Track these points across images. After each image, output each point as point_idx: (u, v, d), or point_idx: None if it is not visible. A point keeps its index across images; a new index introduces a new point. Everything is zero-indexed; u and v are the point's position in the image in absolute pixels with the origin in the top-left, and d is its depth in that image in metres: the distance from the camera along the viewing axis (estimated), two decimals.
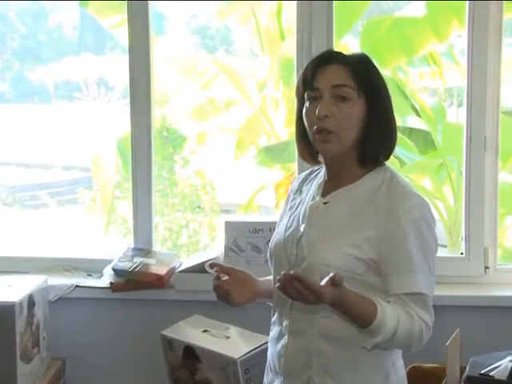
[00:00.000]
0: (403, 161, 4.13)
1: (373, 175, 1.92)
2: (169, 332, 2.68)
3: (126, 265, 3.01)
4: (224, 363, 2.48)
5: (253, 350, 2.49)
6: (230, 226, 2.99)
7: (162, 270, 3.00)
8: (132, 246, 3.18)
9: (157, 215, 3.56)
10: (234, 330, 2.66)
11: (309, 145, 1.95)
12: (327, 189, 1.95)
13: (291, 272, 1.70)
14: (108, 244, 4.71)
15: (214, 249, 3.76)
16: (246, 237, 2.97)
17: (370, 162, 1.92)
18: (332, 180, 1.95)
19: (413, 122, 4.35)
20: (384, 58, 3.92)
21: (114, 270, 3.01)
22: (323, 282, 1.70)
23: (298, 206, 2.01)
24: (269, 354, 2.04)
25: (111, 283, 2.99)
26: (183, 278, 2.98)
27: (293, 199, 2.06)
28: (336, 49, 3.08)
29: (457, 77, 4.24)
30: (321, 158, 1.98)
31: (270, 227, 2.81)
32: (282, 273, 1.70)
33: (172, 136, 4.80)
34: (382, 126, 1.90)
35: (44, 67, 5.20)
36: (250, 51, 5.00)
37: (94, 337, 3.06)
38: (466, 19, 2.99)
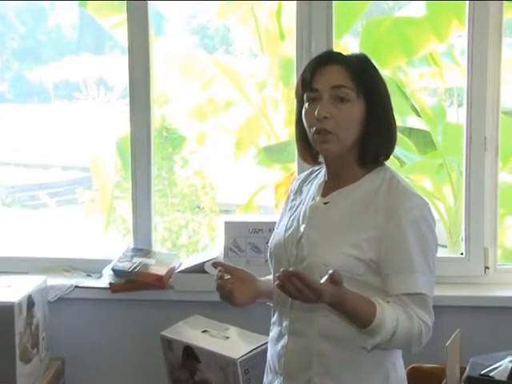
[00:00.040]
0: (403, 161, 4.13)
1: (373, 175, 1.91)
2: (168, 332, 2.68)
3: (126, 265, 3.01)
4: (224, 363, 2.48)
5: (252, 350, 2.49)
6: (229, 226, 2.99)
7: (161, 271, 2.99)
8: (131, 246, 3.18)
9: (156, 215, 3.55)
10: (233, 331, 2.66)
11: (309, 145, 1.95)
12: (327, 189, 1.95)
13: (290, 269, 1.69)
14: (107, 244, 4.70)
15: (213, 249, 3.76)
16: (245, 237, 2.96)
17: (370, 162, 1.92)
18: (332, 180, 1.95)
19: (413, 122, 4.35)
20: (384, 58, 3.92)
21: (113, 270, 3.01)
22: (323, 280, 1.69)
23: (298, 207, 2.01)
24: (268, 354, 2.04)
25: (111, 283, 2.99)
26: (183, 278, 2.97)
27: (293, 199, 2.06)
28: (336, 49, 3.08)
29: (457, 77, 4.24)
30: (321, 159, 1.98)
31: (270, 227, 2.79)
32: (281, 270, 1.69)
33: (171, 136, 4.80)
34: (381, 127, 1.90)
35: (43, 67, 5.20)
36: (250, 51, 5.00)
37: (94, 337, 3.06)
38: (466, 19, 2.99)
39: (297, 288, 1.67)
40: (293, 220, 1.98)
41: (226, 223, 3.01)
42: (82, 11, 4.62)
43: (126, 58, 3.14)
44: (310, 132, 1.90)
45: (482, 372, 2.41)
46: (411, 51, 3.98)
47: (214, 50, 5.11)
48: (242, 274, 1.98)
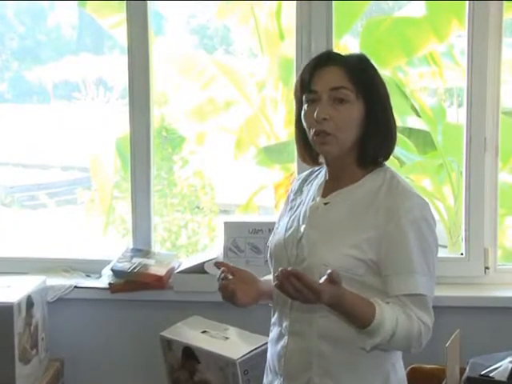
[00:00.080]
0: (403, 161, 4.13)
1: (373, 176, 1.91)
2: (168, 333, 2.68)
3: (125, 265, 3.01)
4: (223, 364, 2.48)
5: (252, 350, 2.49)
6: (229, 226, 2.99)
7: (161, 271, 2.99)
8: (131, 246, 3.18)
9: (156, 216, 3.55)
10: (233, 331, 2.66)
11: (309, 146, 1.95)
12: (328, 189, 1.95)
13: (289, 268, 1.69)
14: (107, 244, 4.70)
15: (213, 249, 3.75)
16: (245, 237, 2.96)
17: (370, 162, 1.92)
18: (333, 180, 1.95)
19: (412, 122, 4.34)
20: (384, 58, 3.91)
21: (112, 270, 3.01)
22: (321, 280, 1.69)
23: (298, 207, 2.00)
24: (268, 354, 2.03)
25: (110, 284, 2.98)
26: (182, 278, 2.97)
27: (293, 199, 2.05)
28: (335, 49, 3.09)
29: (457, 77, 4.24)
30: (322, 159, 1.98)
31: (270, 228, 2.79)
32: (280, 269, 1.69)
33: (171, 136, 4.79)
34: (380, 127, 1.90)
35: (42, 67, 5.19)
36: (250, 51, 5.00)
37: (93, 338, 3.05)
38: (465, 19, 2.99)
39: (295, 288, 1.67)
40: (293, 220, 1.98)
41: (226, 223, 3.01)
42: (82, 11, 4.62)
43: (125, 58, 3.14)
44: (310, 133, 1.90)
45: (482, 372, 2.41)
46: (411, 51, 3.97)
47: (214, 50, 5.11)
48: (244, 274, 1.98)
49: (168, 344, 2.65)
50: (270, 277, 2.02)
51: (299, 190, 2.06)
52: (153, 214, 3.20)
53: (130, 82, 3.13)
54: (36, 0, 4.99)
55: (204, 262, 2.96)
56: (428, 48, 4.03)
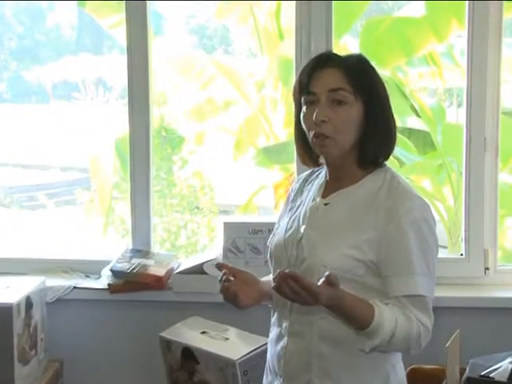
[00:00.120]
0: (403, 161, 4.12)
1: (373, 176, 1.91)
2: (167, 333, 2.67)
3: (124, 266, 3.00)
4: (223, 365, 2.48)
5: (252, 351, 2.48)
6: (228, 226, 2.99)
7: (160, 271, 2.99)
8: (130, 247, 3.17)
9: (155, 216, 3.55)
10: (232, 332, 2.66)
11: (308, 148, 1.95)
12: (328, 190, 1.95)
13: (286, 270, 1.68)
14: (106, 245, 4.69)
15: (212, 250, 3.75)
16: (244, 238, 2.96)
17: (370, 163, 1.92)
18: (333, 181, 1.95)
19: (412, 122, 4.34)
20: (383, 58, 3.91)
21: (112, 271, 3.00)
22: (319, 283, 1.69)
23: (298, 207, 2.00)
24: (268, 355, 2.03)
25: (109, 284, 2.98)
26: (181, 279, 2.97)
27: (293, 199, 2.05)
28: (335, 49, 3.09)
29: (456, 77, 4.23)
30: (322, 160, 1.97)
31: (269, 228, 2.78)
32: (277, 271, 1.69)
33: (170, 136, 4.79)
34: (380, 128, 1.89)
35: (42, 67, 5.19)
36: (249, 51, 5.00)
37: (92, 338, 3.05)
38: (465, 19, 2.99)
39: (293, 290, 1.67)
40: (293, 221, 1.98)
41: (225, 224, 3.00)
42: (81, 11, 4.61)
43: (124, 58, 3.13)
44: (309, 135, 1.90)
45: (482, 373, 2.41)
46: (411, 51, 3.97)
47: (213, 50, 5.10)
48: (245, 275, 1.97)
49: (167, 344, 2.65)
50: (270, 277, 2.02)
51: (299, 191, 2.05)
52: (152, 215, 3.20)
53: (130, 82, 3.13)
54: (35, 0, 4.98)
55: (203, 263, 2.96)
56: (428, 48, 4.02)
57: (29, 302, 2.73)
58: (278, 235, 2.00)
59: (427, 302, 1.84)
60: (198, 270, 2.95)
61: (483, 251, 3.02)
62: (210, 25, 5.17)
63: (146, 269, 3.00)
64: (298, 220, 1.96)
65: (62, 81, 5.25)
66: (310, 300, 1.68)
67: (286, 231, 1.97)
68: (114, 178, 4.72)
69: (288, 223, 1.99)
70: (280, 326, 1.96)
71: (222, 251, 2.98)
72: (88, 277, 3.13)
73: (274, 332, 2.00)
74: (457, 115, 4.30)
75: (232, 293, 1.90)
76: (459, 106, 4.21)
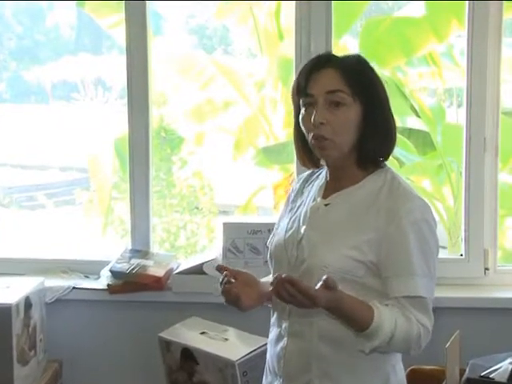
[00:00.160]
0: (402, 162, 4.12)
1: (374, 177, 1.91)
2: (166, 334, 2.67)
3: (124, 266, 3.00)
4: (222, 365, 2.47)
5: (251, 352, 2.48)
6: (228, 227, 2.98)
7: (159, 272, 2.98)
8: (129, 247, 3.17)
9: (154, 216, 3.54)
10: (232, 332, 2.66)
11: (308, 149, 1.95)
12: (328, 190, 1.95)
13: (283, 275, 1.69)
14: (105, 245, 4.69)
15: (212, 250, 3.74)
16: (244, 238, 2.95)
17: (370, 163, 1.91)
18: (333, 181, 1.95)
19: (412, 122, 4.33)
20: (383, 58, 3.91)
21: (111, 271, 3.00)
22: (317, 286, 1.69)
23: (298, 208, 2.00)
24: (268, 355, 2.03)
25: (108, 285, 2.98)
26: (181, 279, 2.96)
27: (293, 200, 2.05)
28: (335, 49, 3.09)
29: (456, 77, 4.23)
30: (323, 162, 1.97)
31: (269, 228, 2.79)
32: (275, 275, 1.70)
33: (170, 137, 4.78)
34: (380, 128, 1.89)
35: (41, 67, 5.18)
36: (249, 51, 4.99)
37: (91, 339, 3.05)
38: (465, 19, 2.99)
39: (290, 294, 1.67)
40: (293, 221, 1.97)
41: (225, 224, 3.00)
42: (80, 11, 4.61)
43: (124, 58, 3.13)
44: (308, 137, 1.89)
45: (482, 374, 2.41)
46: (410, 51, 3.96)
47: (213, 50, 5.10)
48: (246, 277, 1.96)
49: (166, 345, 2.65)
50: (270, 278, 2.01)
51: (300, 191, 2.05)
52: (151, 215, 3.20)
53: (129, 82, 3.12)
54: (34, 0, 4.98)
55: (203, 263, 2.95)
56: (427, 48, 4.02)
57: (28, 303, 2.73)
58: (278, 235, 2.00)
59: (427, 302, 1.83)
60: (198, 270, 2.95)
61: (483, 251, 3.02)
62: (210, 25, 5.17)
63: (146, 269, 2.99)
64: (299, 220, 1.96)
65: (62, 81, 5.24)
66: (307, 303, 1.69)
67: (286, 231, 1.97)
68: (113, 178, 4.72)
69: (288, 223, 1.99)
70: (280, 326, 1.96)
71: (221, 251, 2.98)
72: (87, 277, 3.13)
73: (273, 332, 2.00)
74: (457, 115, 4.30)
75: (234, 295, 1.89)
76: (459, 106, 4.21)
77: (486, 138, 2.98)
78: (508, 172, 4.12)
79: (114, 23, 3.97)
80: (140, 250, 3.14)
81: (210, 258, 2.99)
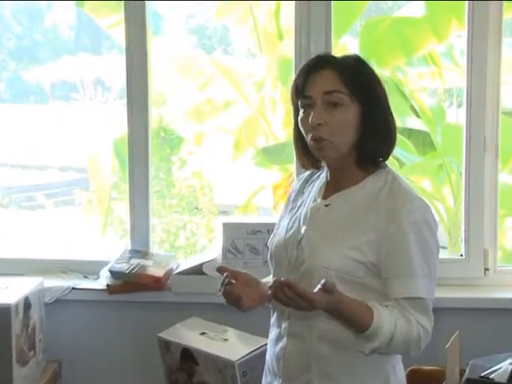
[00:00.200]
0: (402, 162, 4.11)
1: (374, 177, 1.90)
2: (166, 334, 2.67)
3: (123, 266, 3.00)
4: (222, 366, 2.47)
5: (251, 352, 2.48)
6: (227, 227, 2.98)
7: (159, 272, 2.98)
8: (129, 247, 3.17)
9: (154, 216, 3.54)
10: (231, 333, 2.65)
11: (308, 151, 1.94)
12: (329, 191, 1.95)
13: (282, 279, 1.69)
14: (105, 246, 4.68)
15: (211, 250, 3.74)
16: (243, 238, 2.95)
17: (370, 164, 1.91)
18: (333, 182, 1.94)
19: (412, 122, 4.33)
20: (383, 58, 3.91)
21: (110, 271, 2.99)
22: (315, 290, 1.68)
23: (299, 208, 1.99)
24: (268, 355, 2.03)
25: (108, 285, 2.97)
26: (180, 279, 2.96)
27: (294, 200, 2.04)
28: (334, 49, 3.08)
29: (456, 77, 4.22)
30: (323, 163, 1.97)
31: (268, 229, 2.79)
32: (274, 279, 1.70)
33: (169, 137, 4.78)
34: (379, 128, 1.88)
35: (40, 67, 5.18)
36: (248, 51, 4.99)
37: (91, 339, 3.04)
38: (465, 19, 2.99)
39: (288, 297, 1.67)
40: (294, 221, 1.97)
41: (224, 224, 3.00)
42: (80, 11, 4.60)
43: (123, 58, 3.13)
44: (307, 139, 1.89)
45: (482, 374, 2.41)
46: (410, 51, 3.96)
47: (213, 50, 5.10)
48: (246, 277, 1.96)
49: (166, 345, 2.64)
50: (271, 278, 2.01)
51: (300, 191, 2.05)
52: (151, 215, 3.20)
53: (128, 83, 3.12)
54: (33, 0, 4.97)
55: (202, 264, 2.95)
56: (427, 48, 4.01)
57: (27, 303, 2.73)
58: (278, 235, 2.00)
59: (427, 304, 1.83)
60: (197, 270, 2.95)
61: (483, 252, 3.01)
62: (210, 25, 5.16)
63: (145, 269, 2.99)
64: (299, 221, 1.95)
65: (61, 81, 5.24)
66: (306, 306, 1.69)
67: (286, 232, 1.97)
68: (112, 178, 4.72)
69: (289, 224, 1.98)
70: (279, 326, 1.96)
71: (221, 252, 2.98)
72: (86, 277, 3.12)
73: (273, 333, 2.00)
74: (457, 115, 4.29)
75: (235, 296, 1.89)
76: (459, 106, 4.20)
77: (486, 138, 2.98)
78: (508, 172, 4.11)
79: (114, 23, 3.97)
80: (139, 250, 3.14)
81: (209, 259, 2.98)
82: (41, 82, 5.23)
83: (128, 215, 3.20)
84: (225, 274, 1.91)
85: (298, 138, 1.95)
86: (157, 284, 2.95)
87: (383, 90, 1.91)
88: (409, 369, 2.47)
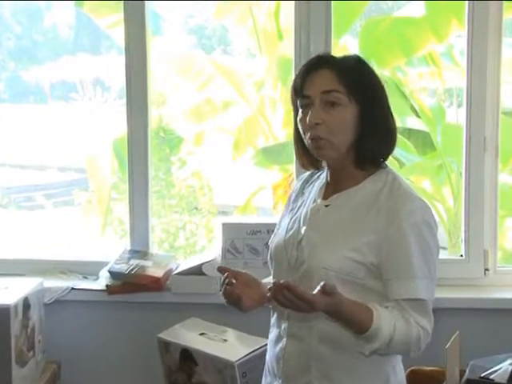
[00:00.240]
0: (402, 162, 4.11)
1: (374, 178, 1.90)
2: (165, 335, 2.66)
3: (123, 267, 2.99)
4: (221, 366, 2.47)
5: (250, 353, 2.47)
6: (227, 227, 2.98)
7: (158, 273, 2.98)
8: (128, 247, 3.16)
9: (153, 217, 3.54)
10: (231, 333, 2.65)
11: (307, 151, 1.94)
12: (329, 191, 1.94)
13: (281, 281, 1.68)
14: (104, 246, 4.68)
15: (211, 251, 3.74)
16: (243, 238, 2.95)
17: (369, 164, 1.90)
18: (334, 182, 1.94)
19: (412, 122, 4.33)
20: (383, 58, 3.91)
21: (110, 272, 2.99)
22: (315, 291, 1.68)
23: (299, 208, 1.99)
24: (267, 356, 2.03)
25: (107, 285, 2.97)
26: (180, 280, 2.96)
27: (294, 200, 2.04)
28: (334, 49, 3.08)
29: (456, 77, 4.22)
30: (324, 164, 1.96)
31: (268, 229, 2.79)
32: (273, 281, 1.70)
33: (169, 137, 4.77)
34: (378, 129, 1.88)
35: (39, 67, 5.18)
36: (248, 51, 4.98)
37: (90, 339, 3.04)
38: (465, 19, 2.98)
39: (288, 299, 1.67)
40: (294, 221, 1.97)
41: (224, 225, 2.99)
42: (79, 11, 4.59)
43: (122, 58, 3.13)
44: (305, 138, 1.89)
45: (482, 375, 2.41)
46: (410, 51, 3.96)
47: (212, 50, 5.09)
48: (247, 277, 1.96)
49: (165, 346, 2.64)
50: (271, 278, 2.01)
51: (300, 191, 2.04)
52: (150, 216, 3.19)
53: (128, 83, 3.12)
54: (33, 0, 4.97)
55: (202, 264, 2.95)
56: (427, 48, 4.01)
57: (26, 304, 2.72)
58: (278, 236, 2.00)
59: (427, 305, 1.83)
60: (197, 271, 2.94)
61: (483, 252, 3.01)
62: (209, 25, 5.16)
63: (145, 270, 2.99)
64: (299, 221, 1.95)
65: (60, 81, 5.24)
66: (305, 308, 1.69)
67: (286, 232, 1.97)
68: (112, 178, 4.71)
69: (289, 224, 1.98)
70: (279, 327, 1.95)
71: (220, 252, 2.97)
72: (86, 278, 3.12)
73: (273, 333, 1.99)
74: (457, 115, 4.29)
75: (236, 296, 1.89)
76: (459, 106, 4.20)
77: (486, 138, 2.98)
78: (508, 173, 4.11)
79: (113, 23, 3.97)
80: (139, 250, 3.13)
81: (209, 259, 2.98)
82: (40, 82, 5.22)
83: (127, 215, 3.20)
84: (225, 274, 1.91)
85: (298, 137, 1.94)
86: (156, 284, 2.95)
87: (383, 91, 1.91)
88: (409, 369, 2.47)
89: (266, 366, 2.04)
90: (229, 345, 2.57)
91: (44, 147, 5.42)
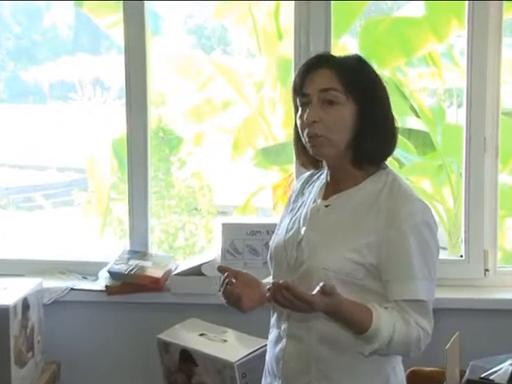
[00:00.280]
0: (402, 162, 4.11)
1: (374, 178, 1.89)
2: (165, 335, 2.66)
3: (122, 267, 2.99)
4: (221, 367, 2.46)
5: (250, 353, 2.47)
6: (226, 228, 2.97)
7: (158, 273, 2.97)
8: (128, 248, 3.16)
9: (153, 217, 3.54)
10: (231, 334, 2.65)
11: (307, 150, 1.93)
12: (329, 191, 1.94)
13: (280, 281, 1.68)
14: (104, 246, 4.68)
15: (210, 251, 3.74)
16: (243, 239, 2.94)
17: (367, 163, 1.89)
18: (334, 183, 1.94)
19: (412, 122, 4.32)
20: (383, 58, 3.90)
21: (109, 272, 2.99)
22: (314, 292, 1.68)
23: (299, 208, 1.99)
24: (267, 356, 2.03)
25: (107, 286, 2.97)
26: (179, 280, 2.95)
27: (294, 200, 2.04)
28: (334, 49, 3.08)
29: (456, 77, 4.22)
30: (324, 164, 1.96)
31: (268, 229, 2.79)
32: (272, 281, 1.70)
33: (168, 137, 4.77)
34: (378, 129, 1.87)
35: (39, 67, 5.17)
36: (248, 51, 4.98)
37: (90, 340, 3.04)
38: (465, 19, 2.98)
39: (287, 299, 1.67)
40: (294, 222, 1.97)
41: (224, 225, 2.99)
42: (78, 11, 4.59)
43: (122, 58, 3.13)
44: (303, 136, 1.88)
45: (482, 375, 2.41)
46: (410, 51, 3.96)
47: (212, 50, 5.09)
48: (247, 277, 1.95)
49: (165, 346, 2.64)
50: (271, 279, 2.00)
51: (300, 191, 2.04)
52: (150, 216, 3.19)
53: (127, 83, 3.11)
54: (32, 0, 4.97)
55: (201, 264, 2.95)
56: (427, 48, 4.01)
57: (25, 304, 2.72)
58: (278, 236, 1.99)
59: (427, 306, 1.83)
60: (196, 271, 2.94)
61: (483, 252, 3.01)
62: (209, 25, 5.16)
63: (144, 270, 2.99)
64: (299, 221, 1.95)
65: (59, 81, 5.23)
66: (304, 308, 1.69)
67: (286, 232, 1.96)
68: (111, 178, 4.71)
69: (289, 224, 1.98)
70: (279, 327, 1.95)
71: (220, 252, 2.97)
72: (85, 278, 3.12)
73: (273, 333, 1.99)
74: (457, 115, 4.29)
75: (236, 296, 1.88)
76: (459, 106, 4.19)
77: (486, 139, 2.98)
78: (508, 173, 4.11)
79: (113, 23, 3.97)
80: (138, 250, 3.13)
81: (208, 259, 2.98)
82: (39, 82, 5.22)
83: (127, 216, 3.20)
84: (225, 274, 1.91)
85: (298, 137, 1.94)
86: (156, 285, 2.95)
87: (384, 91, 1.90)
88: (409, 370, 2.47)
89: (265, 366, 2.04)
90: (228, 345, 2.57)
91: (43, 147, 5.41)
